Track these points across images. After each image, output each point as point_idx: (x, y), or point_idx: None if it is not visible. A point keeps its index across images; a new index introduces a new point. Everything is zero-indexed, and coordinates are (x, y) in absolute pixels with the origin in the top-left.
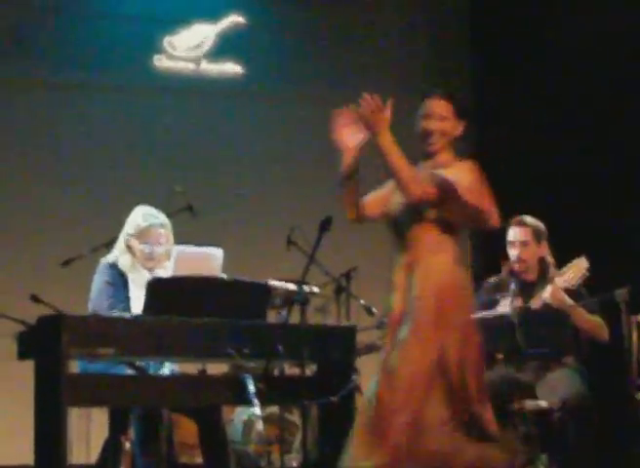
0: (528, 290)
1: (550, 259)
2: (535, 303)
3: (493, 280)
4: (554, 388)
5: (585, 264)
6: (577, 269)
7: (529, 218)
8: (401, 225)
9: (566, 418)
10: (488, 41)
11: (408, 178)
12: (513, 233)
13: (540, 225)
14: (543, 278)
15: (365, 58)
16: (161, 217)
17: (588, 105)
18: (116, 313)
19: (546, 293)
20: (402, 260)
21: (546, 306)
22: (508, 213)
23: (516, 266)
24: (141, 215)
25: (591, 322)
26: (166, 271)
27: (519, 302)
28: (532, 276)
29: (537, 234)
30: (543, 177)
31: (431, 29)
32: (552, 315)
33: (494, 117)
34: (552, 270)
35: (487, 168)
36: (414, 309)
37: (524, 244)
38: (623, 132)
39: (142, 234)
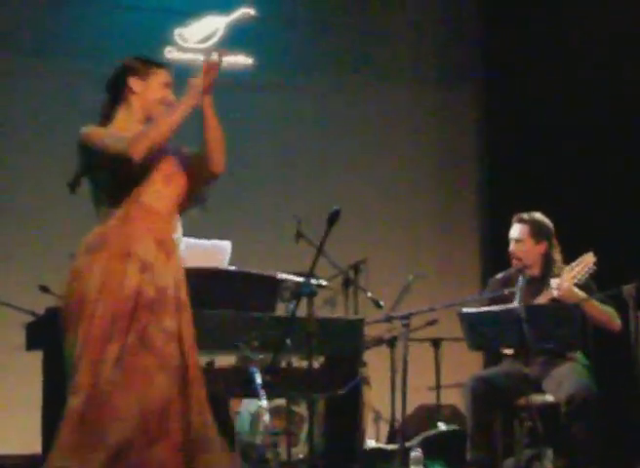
0: (533, 285)
1: (557, 256)
2: (541, 299)
3: (500, 275)
4: (561, 383)
5: (592, 259)
6: (584, 264)
7: (530, 215)
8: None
9: (573, 413)
10: (499, 36)
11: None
12: (512, 230)
13: (543, 222)
14: (548, 274)
15: (375, 48)
16: None
17: (603, 99)
18: None
19: (554, 289)
20: (157, 235)
21: (554, 301)
22: (518, 209)
23: (512, 263)
24: None
25: (605, 312)
26: None
27: (525, 297)
28: (535, 272)
29: (535, 231)
30: (552, 174)
31: (443, 21)
32: (559, 310)
33: (504, 112)
34: (558, 266)
35: (496, 164)
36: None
37: (519, 241)
38: (634, 128)
39: None
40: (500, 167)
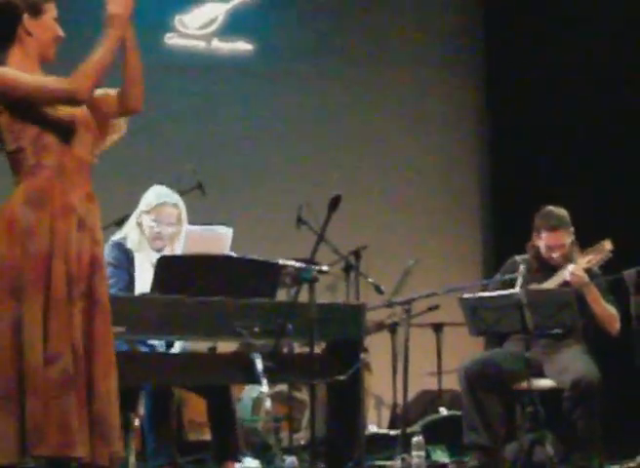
0: (547, 270)
1: (572, 238)
2: (553, 282)
3: (518, 259)
4: (565, 368)
5: (609, 247)
6: (599, 251)
7: (557, 215)
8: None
9: (577, 397)
10: (503, 20)
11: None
12: (551, 238)
13: (567, 215)
14: (567, 259)
15: (377, 33)
16: (175, 198)
17: (610, 88)
18: (115, 293)
19: (567, 273)
20: (86, 188)
21: (564, 285)
22: (519, 193)
23: (556, 262)
24: (155, 194)
25: (606, 310)
26: (174, 252)
27: (534, 282)
28: (559, 259)
29: (568, 229)
30: (554, 161)
31: (447, 8)
32: (558, 295)
33: (507, 99)
34: (575, 250)
35: (499, 150)
36: (102, 256)
37: (562, 246)
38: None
39: (154, 211)
40: (502, 152)
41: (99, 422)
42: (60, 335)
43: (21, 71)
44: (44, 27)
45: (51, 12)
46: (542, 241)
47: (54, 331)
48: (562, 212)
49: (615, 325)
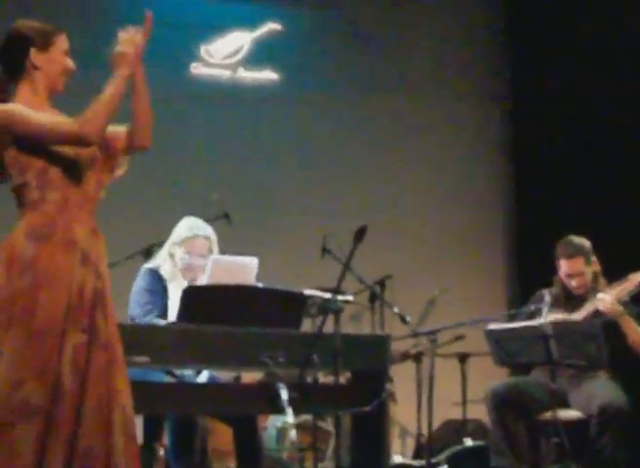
0: (575, 301)
1: (598, 269)
2: (584, 312)
3: (545, 292)
4: (592, 397)
5: (639, 279)
6: (629, 283)
7: (575, 244)
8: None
9: (605, 424)
10: (528, 28)
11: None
12: (568, 265)
13: (587, 245)
14: (593, 290)
15: (400, 62)
16: (206, 230)
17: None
18: (151, 319)
19: (599, 301)
20: (91, 223)
21: (595, 315)
22: (545, 224)
23: (578, 292)
24: (187, 226)
25: None
26: (202, 280)
27: (562, 313)
28: (584, 290)
29: (587, 257)
30: (578, 189)
31: (469, 35)
32: (584, 328)
33: (532, 129)
34: (602, 282)
35: (524, 180)
36: (106, 291)
37: (580, 274)
38: None
39: (185, 244)
40: (528, 183)
41: (84, 456)
42: (31, 363)
43: (30, 107)
44: (52, 61)
45: (61, 44)
46: (562, 269)
47: (22, 358)
48: (582, 240)
49: None
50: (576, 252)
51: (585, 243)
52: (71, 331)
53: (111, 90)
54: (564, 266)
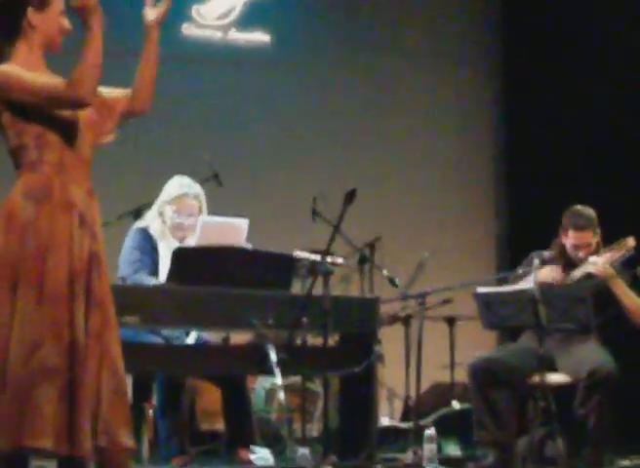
0: (572, 266)
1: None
2: (575, 275)
3: (547, 255)
4: (581, 361)
5: (632, 243)
6: (622, 247)
7: (586, 215)
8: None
9: (594, 387)
10: (520, 13)
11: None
12: (577, 237)
13: (594, 216)
14: (591, 254)
15: (393, 24)
16: (196, 189)
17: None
18: (140, 277)
19: (591, 264)
20: (86, 184)
21: (587, 278)
22: (535, 187)
23: (581, 260)
24: (177, 185)
25: (631, 297)
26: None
27: (558, 273)
28: (585, 258)
29: (595, 229)
30: (567, 153)
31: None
32: (572, 291)
33: (526, 97)
34: (602, 250)
35: (514, 142)
36: (101, 252)
37: (588, 245)
38: None
39: (175, 203)
40: (519, 146)
41: (84, 415)
42: (46, 326)
43: (26, 67)
44: (49, 21)
45: (57, 4)
46: (569, 239)
47: (41, 321)
48: (590, 211)
49: None
50: (586, 224)
51: (593, 214)
52: (78, 293)
53: (92, 46)
54: (572, 237)
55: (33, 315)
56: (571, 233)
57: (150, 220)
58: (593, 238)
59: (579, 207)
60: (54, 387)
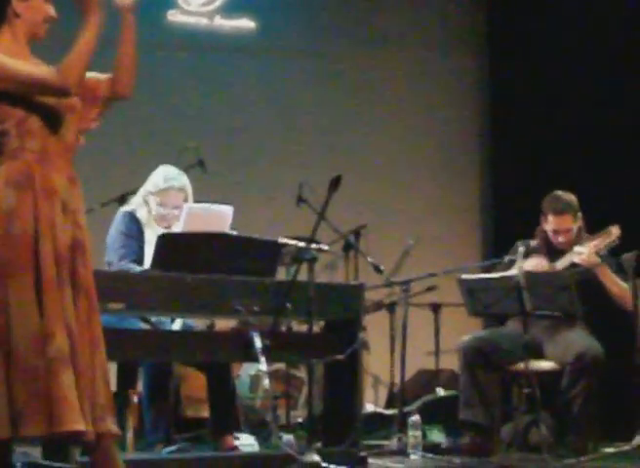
0: (556, 254)
1: (581, 224)
2: (561, 265)
3: (534, 243)
4: (567, 346)
5: (617, 232)
6: (607, 236)
7: (564, 200)
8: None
9: (580, 371)
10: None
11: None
12: (556, 222)
13: (574, 201)
14: (574, 244)
15: (381, 13)
16: (182, 181)
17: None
18: (126, 265)
19: (576, 254)
20: (69, 171)
21: (574, 266)
22: (519, 173)
23: (562, 246)
24: (163, 176)
25: (617, 284)
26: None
27: (544, 264)
28: (569, 245)
29: (575, 214)
30: (552, 140)
31: None
32: (555, 278)
33: (509, 79)
34: (585, 236)
35: (499, 129)
36: (85, 239)
37: (568, 230)
38: None
39: (160, 194)
40: (503, 134)
41: (82, 402)
42: (54, 315)
43: (10, 55)
44: (33, 9)
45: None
46: (549, 224)
47: (48, 311)
48: (570, 196)
49: (629, 299)
50: (564, 208)
51: (573, 199)
52: (64, 280)
53: (85, 37)
54: (552, 222)
55: (34, 304)
56: (550, 218)
57: (136, 206)
58: (574, 223)
59: (558, 192)
60: (71, 374)
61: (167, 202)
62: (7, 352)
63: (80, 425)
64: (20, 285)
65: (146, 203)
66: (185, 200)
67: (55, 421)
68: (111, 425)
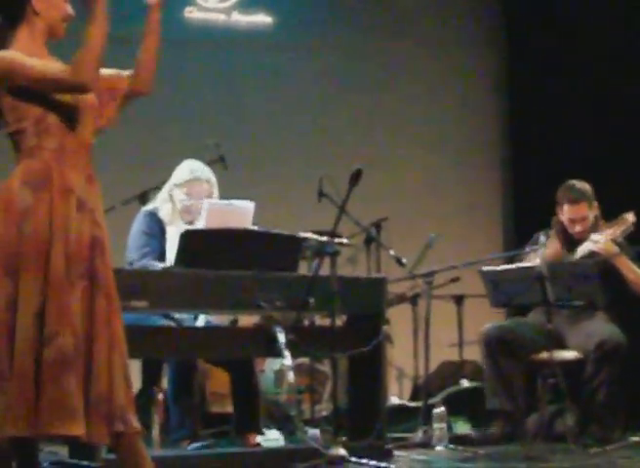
0: (574, 243)
1: (598, 212)
2: (578, 254)
3: (540, 235)
4: (590, 335)
5: (632, 219)
6: (622, 223)
7: (578, 189)
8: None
9: (600, 362)
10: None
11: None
12: (571, 211)
13: (589, 189)
14: (592, 231)
15: (396, 8)
16: (207, 173)
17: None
18: (148, 262)
19: (593, 242)
20: (86, 170)
21: (591, 256)
22: (541, 164)
23: (579, 236)
24: (188, 169)
25: (637, 274)
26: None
27: (562, 252)
28: (585, 234)
29: (589, 202)
30: (572, 133)
31: None
32: (578, 268)
33: (527, 74)
34: (601, 223)
35: (519, 121)
36: (105, 238)
37: (583, 219)
38: None
39: (186, 186)
40: (526, 126)
41: (99, 402)
42: (58, 315)
43: (28, 54)
44: (52, 6)
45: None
46: (565, 214)
47: (51, 311)
48: (584, 185)
49: None
50: (579, 197)
51: (588, 187)
52: (75, 280)
53: (94, 31)
54: (567, 212)
55: (39, 305)
56: (566, 207)
57: (160, 204)
58: (590, 211)
59: (572, 181)
60: (74, 376)
61: (193, 192)
62: (12, 352)
63: (78, 430)
64: (28, 285)
65: (171, 197)
66: (211, 193)
67: (53, 424)
68: (132, 422)
